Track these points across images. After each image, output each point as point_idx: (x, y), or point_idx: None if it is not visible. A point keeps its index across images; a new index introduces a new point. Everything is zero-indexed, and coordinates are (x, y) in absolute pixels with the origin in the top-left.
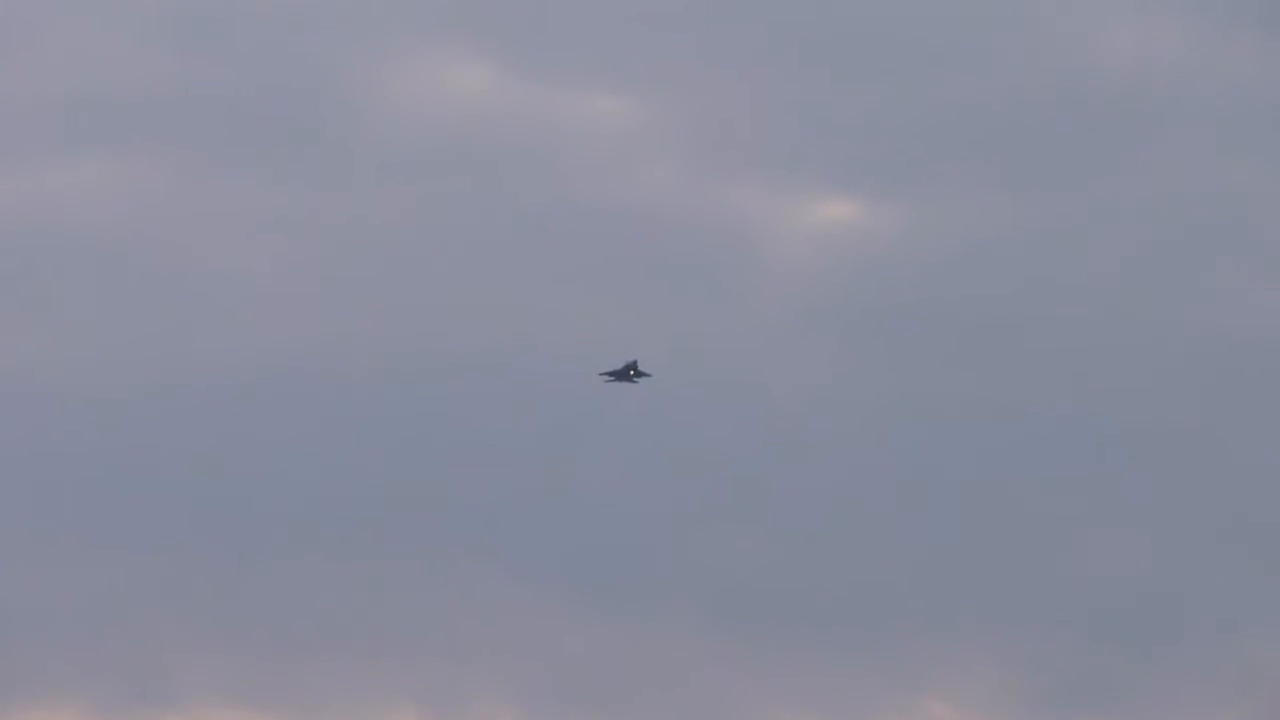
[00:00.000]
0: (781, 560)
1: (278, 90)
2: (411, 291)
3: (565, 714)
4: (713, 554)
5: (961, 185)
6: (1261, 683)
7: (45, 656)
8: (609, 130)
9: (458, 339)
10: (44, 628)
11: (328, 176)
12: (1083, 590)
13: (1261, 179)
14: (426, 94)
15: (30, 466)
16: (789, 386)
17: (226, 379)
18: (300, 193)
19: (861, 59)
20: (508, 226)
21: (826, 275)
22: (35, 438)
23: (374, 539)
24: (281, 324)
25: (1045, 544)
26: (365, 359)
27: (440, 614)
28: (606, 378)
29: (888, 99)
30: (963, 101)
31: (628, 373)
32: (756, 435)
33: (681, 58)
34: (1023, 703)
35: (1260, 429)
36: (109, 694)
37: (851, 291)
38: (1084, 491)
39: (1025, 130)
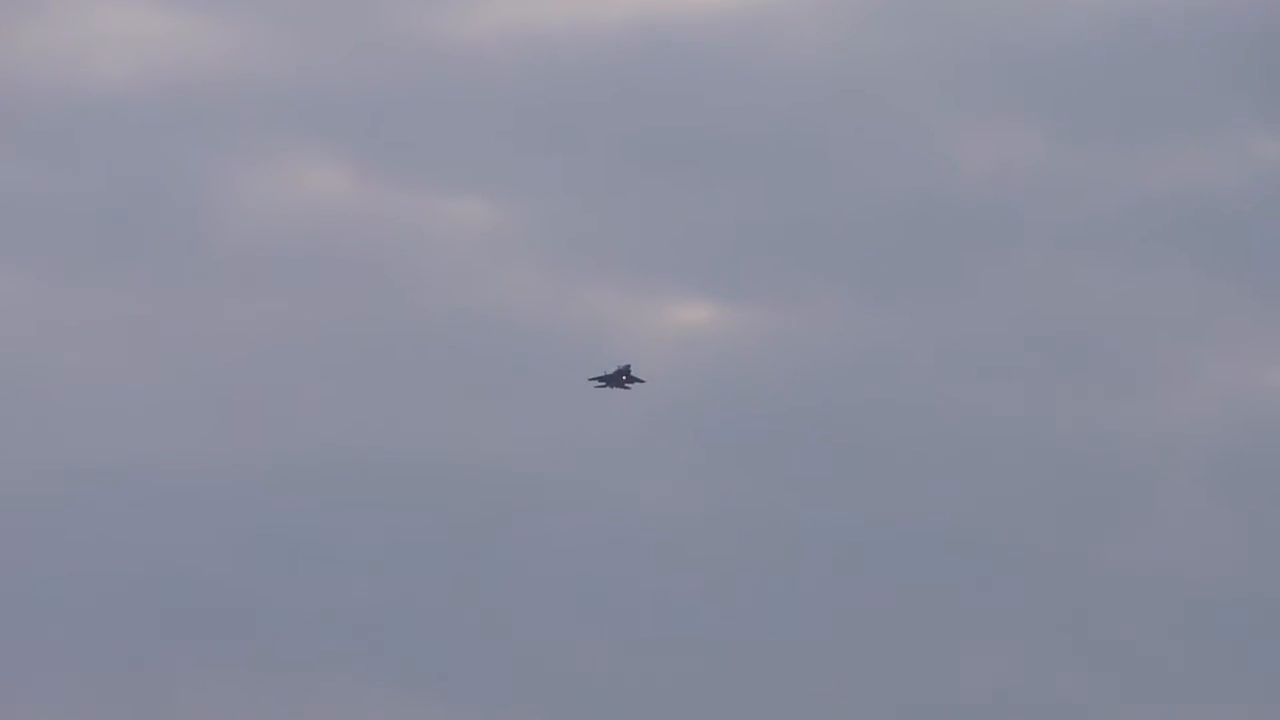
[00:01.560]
0: (637, 668)
1: (127, 192)
2: (262, 394)
3: None
4: (569, 659)
5: (820, 292)
6: None
7: None
8: (463, 233)
9: (309, 442)
10: None
11: (177, 280)
12: (935, 697)
13: (1114, 291)
14: (279, 196)
15: None
16: (645, 491)
17: (74, 482)
18: (149, 296)
19: (722, 163)
20: (361, 329)
21: (684, 379)
22: None
23: (223, 643)
24: (129, 428)
25: (898, 653)
26: (214, 463)
27: None
28: (597, 383)
29: (748, 204)
30: (823, 208)
31: (620, 378)
32: (613, 540)
33: (536, 160)
34: None
35: (1112, 543)
36: None
37: (709, 396)
38: (940, 602)
39: (884, 239)
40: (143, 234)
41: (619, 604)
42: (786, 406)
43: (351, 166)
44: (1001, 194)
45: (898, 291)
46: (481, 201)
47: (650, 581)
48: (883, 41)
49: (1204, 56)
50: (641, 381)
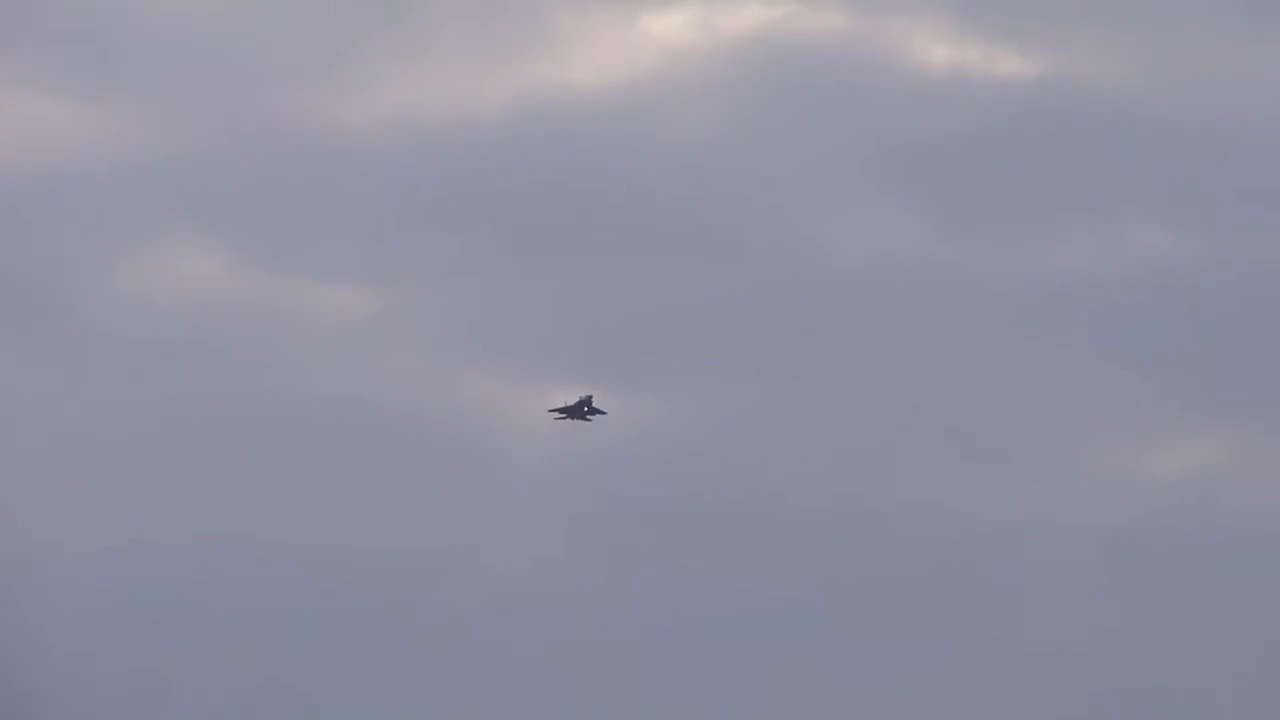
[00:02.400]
0: None
1: (1, 274)
2: (140, 478)
3: None
4: None
5: (702, 377)
6: None
7: None
8: (342, 320)
9: (178, 524)
10: None
11: (54, 365)
12: None
13: (997, 376)
14: (156, 281)
15: None
16: (525, 575)
17: None
18: (24, 381)
19: (603, 250)
20: (240, 414)
21: (566, 465)
22: None
23: None
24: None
25: None
26: (90, 546)
27: None
28: (558, 414)
29: (628, 290)
30: (704, 294)
31: (581, 409)
32: (496, 627)
33: (416, 247)
34: None
35: (994, 622)
36: None
37: (591, 481)
38: (811, 685)
39: (766, 325)
40: (16, 316)
41: (493, 678)
42: (665, 492)
43: (230, 252)
44: (883, 280)
45: (780, 377)
46: (361, 289)
47: (521, 665)
48: (766, 128)
49: (1084, 146)
50: (603, 413)
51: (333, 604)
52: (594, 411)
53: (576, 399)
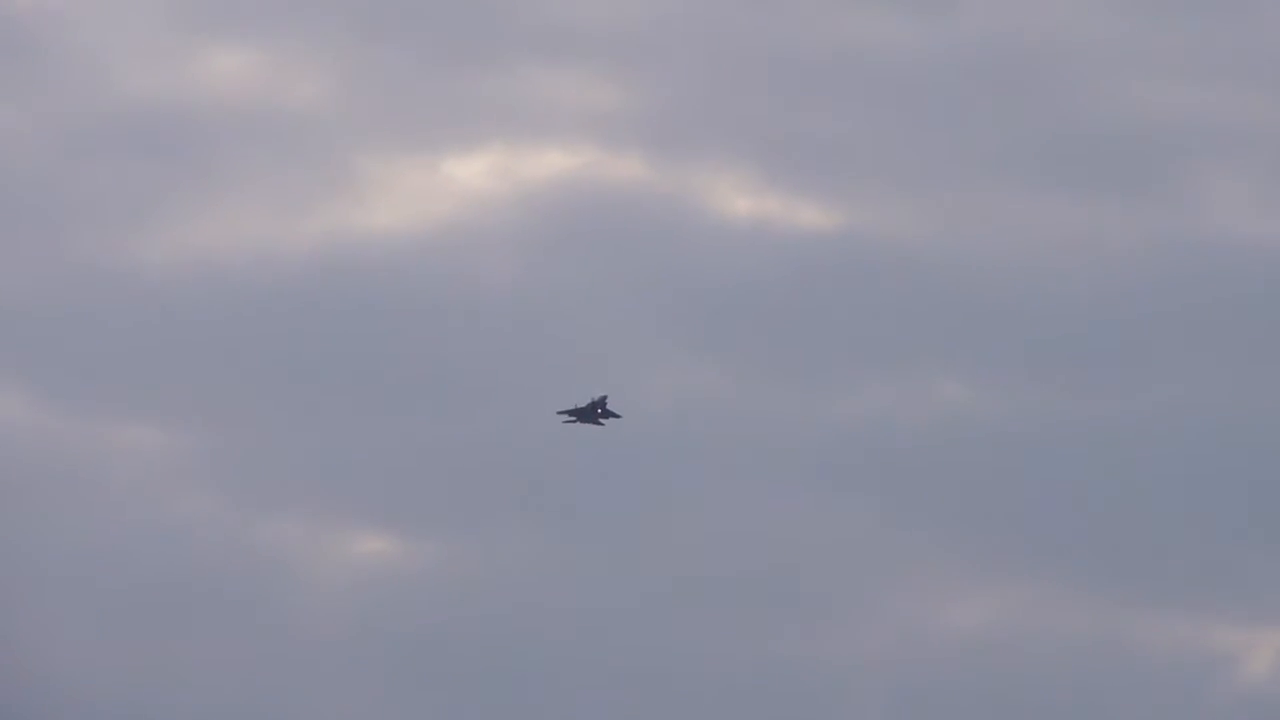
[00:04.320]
0: None
1: None
2: None
3: None
4: None
5: (501, 519)
6: None
7: None
8: (142, 460)
9: None
10: None
11: None
12: None
13: (797, 524)
14: None
15: None
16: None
17: None
18: None
19: (404, 391)
20: (39, 556)
21: (363, 609)
22: None
23: None
24: None
25: None
26: None
27: None
28: (566, 418)
29: (428, 433)
30: (505, 437)
31: (594, 412)
32: None
33: (216, 388)
34: None
35: None
36: None
37: (387, 625)
38: None
39: (563, 466)
40: None
41: None
42: (463, 630)
43: (32, 391)
44: (683, 427)
45: (578, 523)
46: (161, 429)
47: None
48: (567, 275)
49: (884, 296)
50: (618, 416)
51: None
52: (608, 415)
53: (588, 400)
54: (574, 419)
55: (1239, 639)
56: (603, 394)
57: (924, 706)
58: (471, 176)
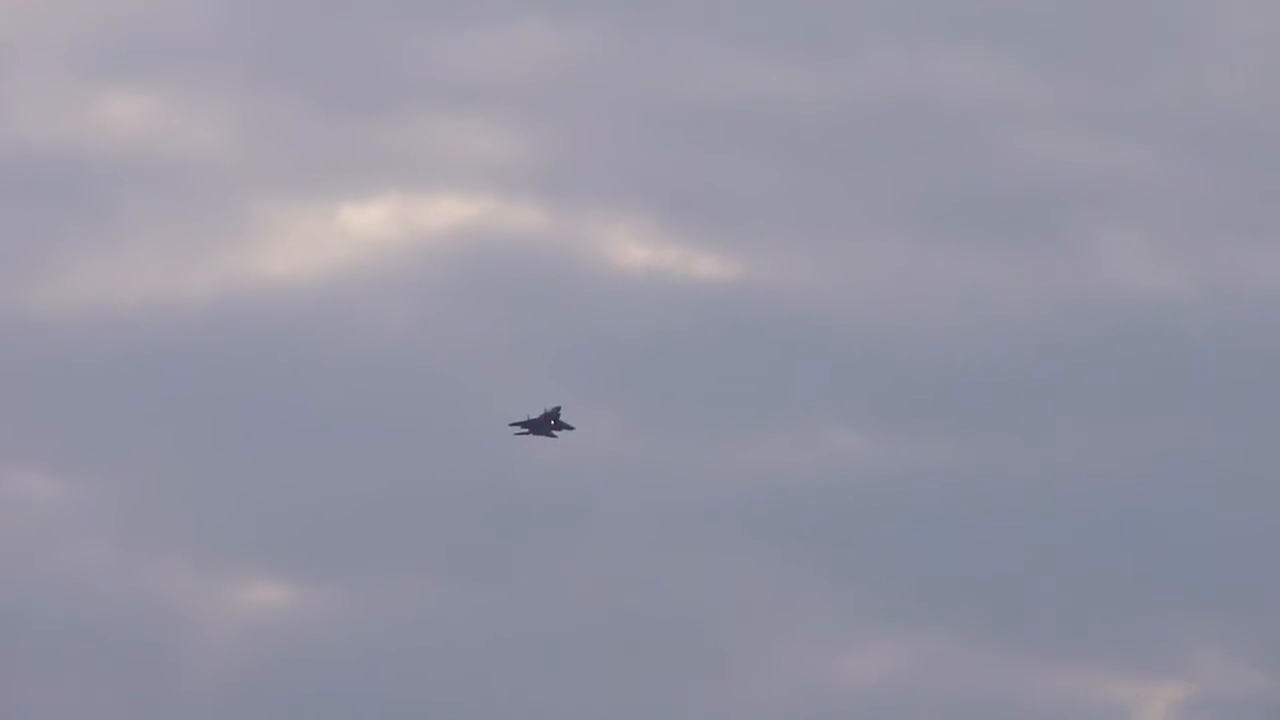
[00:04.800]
0: None
1: None
2: None
3: None
4: None
5: (392, 571)
6: None
7: None
8: (30, 505)
9: None
10: None
11: None
12: None
13: (691, 577)
14: None
15: None
16: None
17: None
18: None
19: (299, 438)
20: None
21: (256, 660)
22: None
23: None
24: None
25: None
26: None
27: None
28: (518, 429)
29: (323, 480)
30: (396, 488)
31: (547, 423)
32: None
33: (108, 432)
34: None
35: None
36: None
37: (282, 677)
38: None
39: (460, 520)
40: None
41: None
42: (361, 684)
43: None
44: (577, 477)
45: (471, 573)
46: (53, 476)
47: None
48: (462, 323)
49: (780, 347)
50: (571, 428)
51: None
52: (561, 426)
53: (541, 412)
54: (526, 430)
55: (1131, 692)
56: (556, 405)
57: None
58: (368, 224)
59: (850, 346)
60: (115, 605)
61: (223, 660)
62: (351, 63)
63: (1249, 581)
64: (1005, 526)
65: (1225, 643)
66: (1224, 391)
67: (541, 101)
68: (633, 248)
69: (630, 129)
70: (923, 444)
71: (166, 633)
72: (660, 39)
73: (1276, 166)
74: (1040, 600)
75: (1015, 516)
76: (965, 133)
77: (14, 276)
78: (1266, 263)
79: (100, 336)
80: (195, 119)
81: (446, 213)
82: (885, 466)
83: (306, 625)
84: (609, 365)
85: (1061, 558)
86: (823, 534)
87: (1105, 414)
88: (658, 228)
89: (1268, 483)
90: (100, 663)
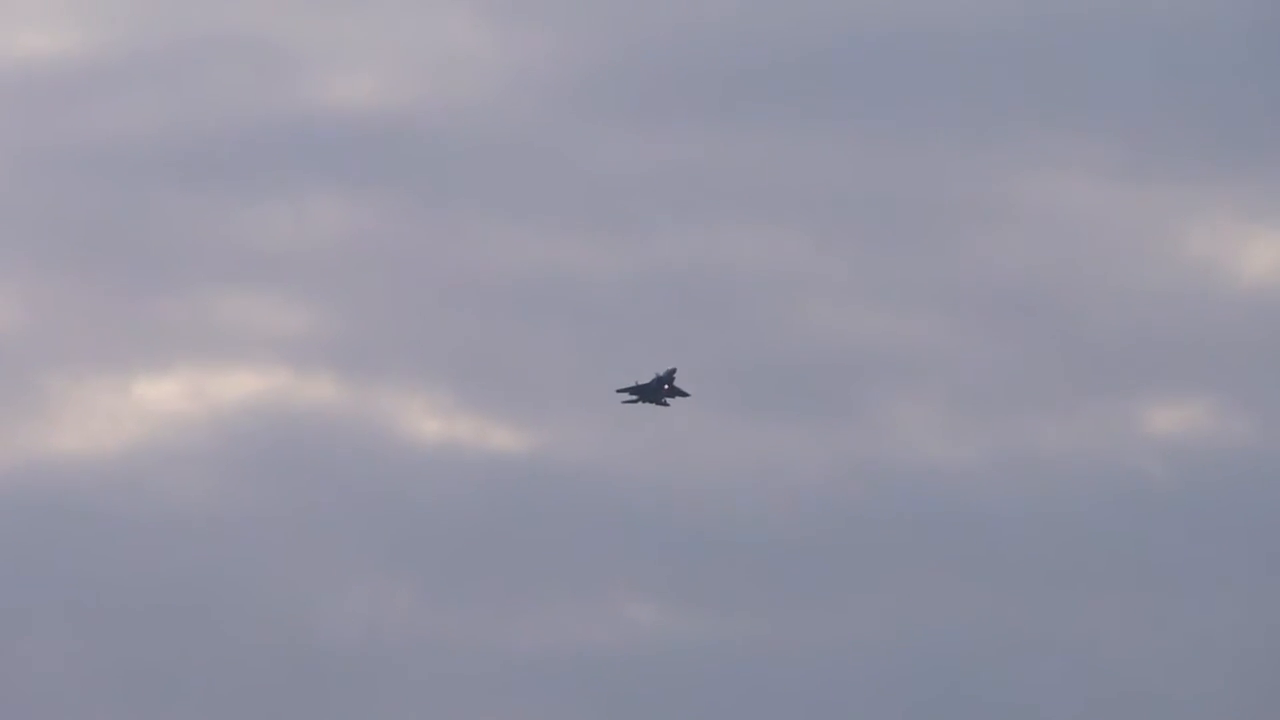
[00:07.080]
0: None
1: None
2: None
3: None
4: None
5: None
6: None
7: None
8: None
9: None
10: None
11: None
12: None
13: None
14: None
15: None
16: None
17: None
18: None
19: (90, 614)
20: None
21: None
22: None
23: None
24: None
25: None
26: None
27: None
28: (626, 397)
29: (117, 651)
30: (188, 662)
31: (660, 389)
32: None
33: None
34: None
35: None
36: None
37: None
38: None
39: (245, 694)
40: None
41: None
42: None
43: None
44: (373, 649)
45: None
46: None
47: None
48: (256, 497)
49: (573, 519)
50: (686, 395)
51: None
52: (675, 393)
53: (652, 376)
54: (635, 398)
55: None
56: (670, 367)
57: None
58: (163, 398)
59: (645, 518)
60: None
61: None
62: (143, 237)
63: None
64: (805, 698)
65: None
66: (1016, 560)
67: (333, 274)
68: (425, 419)
69: (423, 301)
70: (719, 616)
71: None
72: (451, 211)
73: (1070, 340)
74: None
75: (813, 687)
76: (759, 305)
77: None
78: (1056, 435)
79: None
80: None
81: (239, 385)
82: (681, 638)
83: None
84: (404, 537)
85: None
86: (618, 704)
87: (899, 583)
88: (450, 399)
89: (1061, 647)
90: None
